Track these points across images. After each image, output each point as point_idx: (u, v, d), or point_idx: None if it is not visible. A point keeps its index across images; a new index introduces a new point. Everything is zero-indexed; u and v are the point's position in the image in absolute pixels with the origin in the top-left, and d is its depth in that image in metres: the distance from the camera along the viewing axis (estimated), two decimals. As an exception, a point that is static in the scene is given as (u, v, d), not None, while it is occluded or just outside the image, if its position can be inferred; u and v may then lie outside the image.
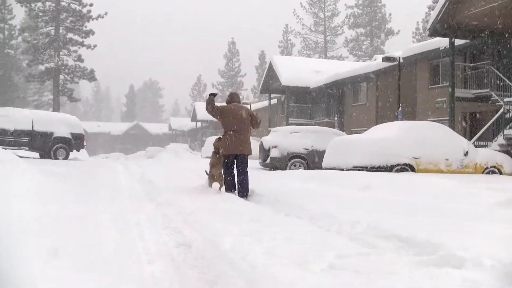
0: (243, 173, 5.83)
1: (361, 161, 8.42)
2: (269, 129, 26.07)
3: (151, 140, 63.74)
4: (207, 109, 6.13)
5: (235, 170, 5.89)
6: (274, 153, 12.11)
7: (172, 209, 4.45)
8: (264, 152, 12.40)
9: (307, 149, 12.28)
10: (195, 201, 4.80)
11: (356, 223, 3.35)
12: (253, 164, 13.63)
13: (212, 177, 6.06)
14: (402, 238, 2.87)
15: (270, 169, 12.22)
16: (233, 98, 6.24)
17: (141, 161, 19.19)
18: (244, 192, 5.79)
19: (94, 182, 6.81)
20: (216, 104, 6.14)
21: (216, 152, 6.11)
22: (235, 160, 5.88)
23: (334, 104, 22.63)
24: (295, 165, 12.09)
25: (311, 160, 12.12)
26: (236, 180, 5.86)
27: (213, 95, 5.98)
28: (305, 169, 11.79)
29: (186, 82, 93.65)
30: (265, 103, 33.00)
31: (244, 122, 5.98)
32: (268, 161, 12.21)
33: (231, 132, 5.91)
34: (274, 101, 30.58)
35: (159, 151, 29.55)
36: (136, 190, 6.17)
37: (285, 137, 12.45)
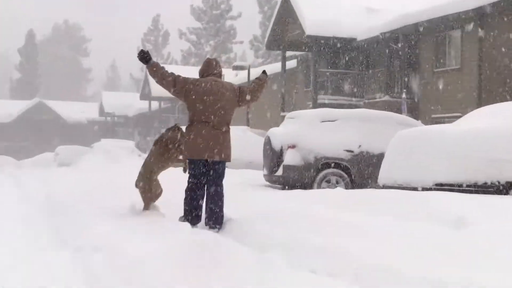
0: (216, 191, 6.55)
1: (451, 173, 8.42)
2: (281, 114, 26.29)
3: (67, 131, 64.43)
4: (158, 82, 6.61)
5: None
6: (290, 159, 12.22)
7: (102, 257, 4.67)
8: (273, 157, 12.53)
9: (351, 152, 12.33)
10: (142, 239, 5.15)
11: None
12: (252, 178, 13.69)
13: (146, 190, 6.84)
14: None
15: (284, 187, 12.34)
16: (209, 68, 6.80)
17: (47, 171, 19.33)
18: (214, 221, 6.49)
19: None
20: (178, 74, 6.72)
21: (161, 144, 6.87)
22: (205, 170, 6.57)
23: (399, 70, 22.65)
24: (328, 181, 12.12)
25: (358, 170, 12.16)
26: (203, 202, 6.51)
27: (144, 54, 6.58)
28: (346, 187, 11.85)
29: (132, 29, 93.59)
30: (275, 67, 33.16)
31: (224, 108, 6.59)
32: (279, 172, 12.34)
33: (200, 125, 6.49)
34: (291, 63, 30.73)
35: (80, 153, 29.85)
36: (38, 225, 6.27)
37: (311, 129, 12.57)
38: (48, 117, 67.13)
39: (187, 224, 6.14)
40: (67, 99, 77.60)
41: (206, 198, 6.63)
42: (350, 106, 22.75)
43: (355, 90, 24.80)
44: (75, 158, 27.80)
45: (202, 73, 6.88)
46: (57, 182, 13.51)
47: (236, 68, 28.64)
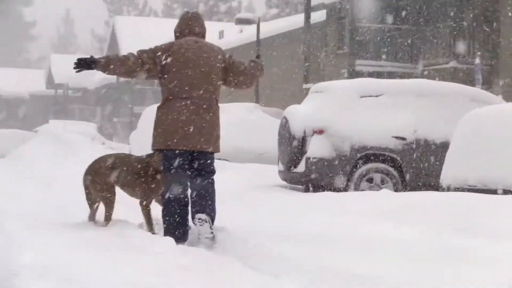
0: (204, 187, 6.87)
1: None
2: (304, 86, 26.18)
3: (1, 109, 64.15)
4: (124, 75, 7.09)
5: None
6: (316, 149, 12.26)
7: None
8: (292, 147, 12.57)
9: (403, 139, 12.34)
10: (107, 264, 5.29)
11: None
12: (263, 175, 13.69)
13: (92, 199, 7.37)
14: None
15: (307, 189, 12.37)
16: (187, 25, 7.06)
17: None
18: (202, 208, 6.80)
19: None
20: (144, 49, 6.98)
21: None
22: (186, 164, 6.85)
23: (472, 25, 22.51)
24: (369, 181, 12.13)
25: (412, 166, 12.18)
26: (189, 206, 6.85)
27: (81, 61, 6.89)
28: (395, 188, 11.87)
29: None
30: (295, 21, 33.06)
31: (210, 79, 6.82)
32: (301, 167, 12.37)
33: (180, 103, 6.74)
34: (318, 16, 30.60)
35: (19, 139, 29.88)
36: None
37: (345, 108, 12.58)
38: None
39: (170, 240, 6.24)
40: (2, 65, 77.95)
41: (191, 199, 6.87)
42: (402, 76, 22.66)
43: (409, 53, 24.70)
44: (12, 147, 27.85)
45: (178, 33, 7.10)
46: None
47: (241, 21, 28.58)
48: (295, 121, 12.62)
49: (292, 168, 12.52)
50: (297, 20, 34.23)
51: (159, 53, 6.80)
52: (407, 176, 12.16)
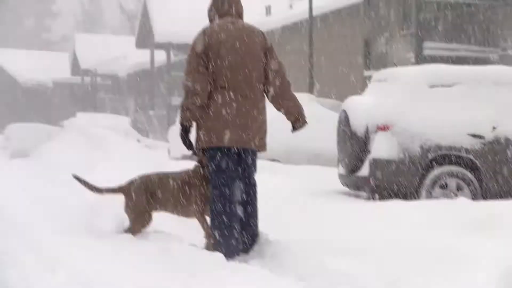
0: (249, 192, 7.19)
1: None
2: (365, 74, 26.00)
3: (21, 100, 64.97)
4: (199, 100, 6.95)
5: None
6: (381, 148, 12.18)
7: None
8: (353, 146, 12.55)
9: (481, 138, 12.22)
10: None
11: None
12: (320, 180, 13.75)
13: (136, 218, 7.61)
14: None
15: (371, 195, 12.36)
16: (222, 4, 7.20)
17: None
18: (250, 238, 7.13)
19: None
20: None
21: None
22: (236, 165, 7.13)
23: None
24: (443, 187, 12.05)
25: (492, 169, 12.09)
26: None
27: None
28: (473, 196, 11.76)
29: None
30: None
31: (256, 68, 7.06)
32: (364, 170, 12.33)
33: (230, 95, 6.95)
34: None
35: (43, 135, 29.94)
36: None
37: (414, 100, 12.50)
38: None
39: (220, 257, 6.42)
40: (19, 47, 78.16)
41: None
42: (478, 61, 22.48)
43: (486, 34, 24.52)
44: (37, 144, 27.90)
45: (213, 15, 7.26)
46: (8, 188, 13.76)
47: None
48: (356, 116, 12.54)
49: (354, 171, 12.46)
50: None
51: (202, 46, 6.95)
52: (487, 182, 12.01)
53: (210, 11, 7.27)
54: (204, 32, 7.07)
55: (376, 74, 14.06)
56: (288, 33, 39.31)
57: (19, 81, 68.17)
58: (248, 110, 6.94)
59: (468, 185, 12.00)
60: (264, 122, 7.14)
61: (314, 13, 29.32)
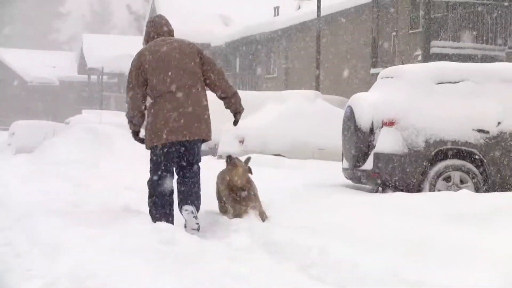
0: (191, 177, 8.59)
1: None
2: (371, 71, 26.02)
3: (27, 98, 65.31)
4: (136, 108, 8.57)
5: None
6: (386, 143, 12.25)
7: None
8: (358, 140, 12.63)
9: (486, 133, 12.23)
10: (151, 277, 5.64)
11: None
12: (325, 174, 13.78)
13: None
14: None
15: (375, 188, 12.53)
16: (156, 28, 8.75)
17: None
18: (191, 199, 8.40)
19: None
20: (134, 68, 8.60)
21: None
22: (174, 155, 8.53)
23: None
24: (447, 180, 12.05)
25: (497, 163, 12.11)
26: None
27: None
28: (476, 189, 11.81)
29: None
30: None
31: (188, 70, 8.46)
32: (368, 164, 12.40)
33: (164, 98, 8.33)
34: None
35: (48, 132, 30.50)
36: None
37: (419, 96, 12.53)
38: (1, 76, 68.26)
39: (223, 247, 6.70)
40: (27, 47, 78.52)
41: (177, 184, 8.53)
42: (484, 59, 22.46)
43: (493, 32, 24.49)
44: (41, 140, 28.00)
45: (149, 37, 8.67)
46: (12, 183, 13.77)
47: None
48: (362, 111, 12.61)
49: (358, 165, 12.53)
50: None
51: (138, 62, 8.38)
52: (490, 175, 12.06)
53: (145, 37, 8.75)
54: (139, 54, 8.46)
55: (383, 72, 14.06)
56: (296, 33, 39.39)
57: (25, 79, 68.49)
58: (187, 108, 8.24)
59: (472, 178, 12.05)
60: (205, 115, 8.42)
61: (322, 13, 29.34)
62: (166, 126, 8.15)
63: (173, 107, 8.18)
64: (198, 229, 8.04)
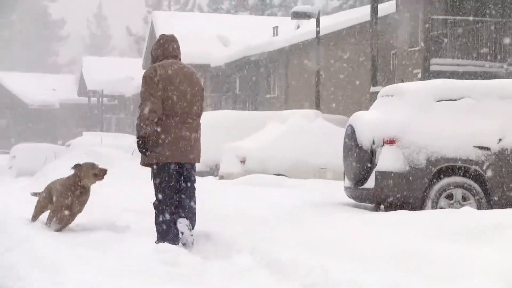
0: (191, 197, 8.92)
1: None
2: (372, 89, 26.09)
3: (28, 121, 65.23)
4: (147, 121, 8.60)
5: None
6: (388, 161, 12.26)
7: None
8: (359, 159, 12.62)
9: (487, 149, 12.26)
10: None
11: None
12: (327, 193, 13.72)
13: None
14: None
15: (377, 207, 12.50)
16: (165, 49, 8.99)
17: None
18: (190, 219, 8.73)
19: None
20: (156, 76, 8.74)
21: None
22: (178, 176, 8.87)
23: None
24: (450, 197, 12.05)
25: (499, 180, 12.13)
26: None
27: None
28: (478, 206, 11.80)
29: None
30: (361, 14, 33.01)
31: (195, 101, 8.89)
32: (370, 183, 12.41)
33: (178, 119, 8.67)
34: (386, 7, 30.58)
35: (49, 155, 30.50)
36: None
37: (420, 114, 12.56)
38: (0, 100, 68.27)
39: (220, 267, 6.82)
40: (28, 70, 78.48)
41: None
42: (485, 76, 22.45)
43: (493, 49, 24.53)
44: (42, 163, 28.03)
45: (157, 56, 8.86)
46: (11, 204, 13.76)
47: (297, 15, 28.60)
48: (362, 130, 12.60)
49: (359, 183, 12.52)
50: (362, 13, 34.13)
51: (157, 77, 8.53)
52: (493, 192, 12.06)
53: (155, 53, 8.90)
54: (155, 67, 8.62)
55: (383, 90, 14.07)
56: (295, 52, 39.47)
57: (25, 102, 68.40)
58: (193, 136, 8.73)
59: (474, 195, 12.05)
60: (199, 142, 8.90)
61: (321, 32, 29.39)
62: (182, 146, 8.57)
63: (188, 130, 8.64)
64: (192, 243, 8.41)
